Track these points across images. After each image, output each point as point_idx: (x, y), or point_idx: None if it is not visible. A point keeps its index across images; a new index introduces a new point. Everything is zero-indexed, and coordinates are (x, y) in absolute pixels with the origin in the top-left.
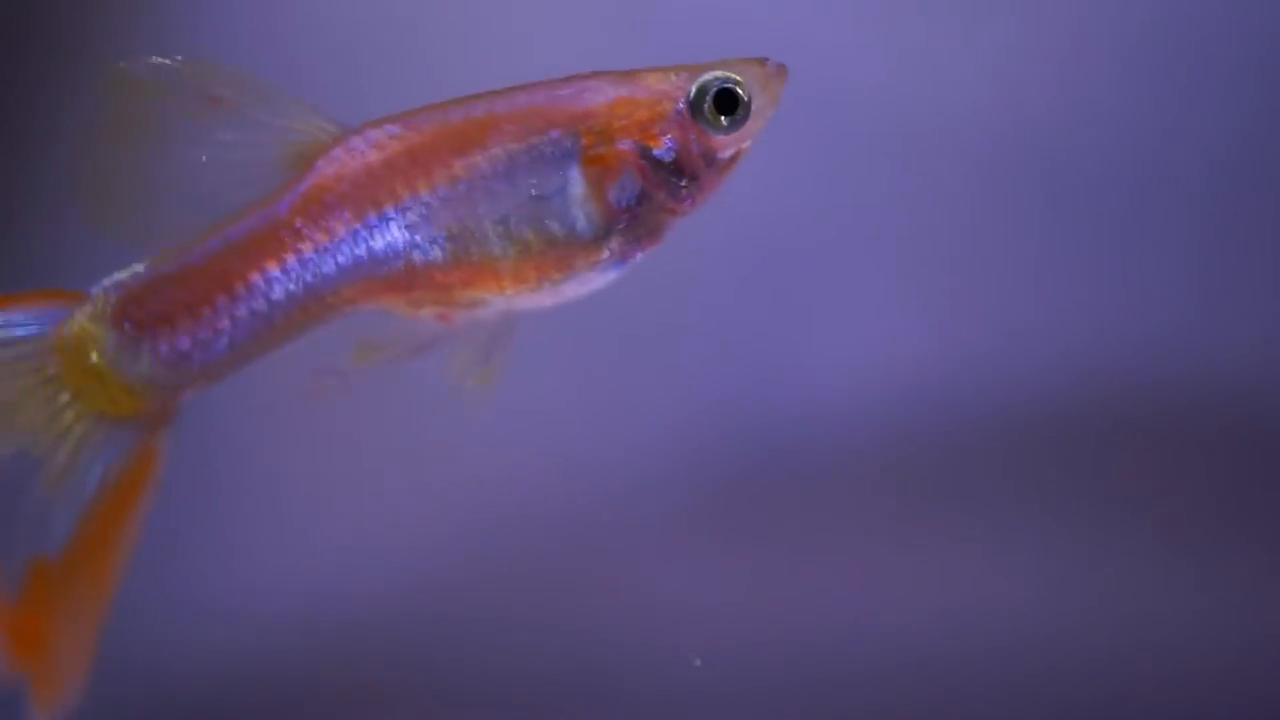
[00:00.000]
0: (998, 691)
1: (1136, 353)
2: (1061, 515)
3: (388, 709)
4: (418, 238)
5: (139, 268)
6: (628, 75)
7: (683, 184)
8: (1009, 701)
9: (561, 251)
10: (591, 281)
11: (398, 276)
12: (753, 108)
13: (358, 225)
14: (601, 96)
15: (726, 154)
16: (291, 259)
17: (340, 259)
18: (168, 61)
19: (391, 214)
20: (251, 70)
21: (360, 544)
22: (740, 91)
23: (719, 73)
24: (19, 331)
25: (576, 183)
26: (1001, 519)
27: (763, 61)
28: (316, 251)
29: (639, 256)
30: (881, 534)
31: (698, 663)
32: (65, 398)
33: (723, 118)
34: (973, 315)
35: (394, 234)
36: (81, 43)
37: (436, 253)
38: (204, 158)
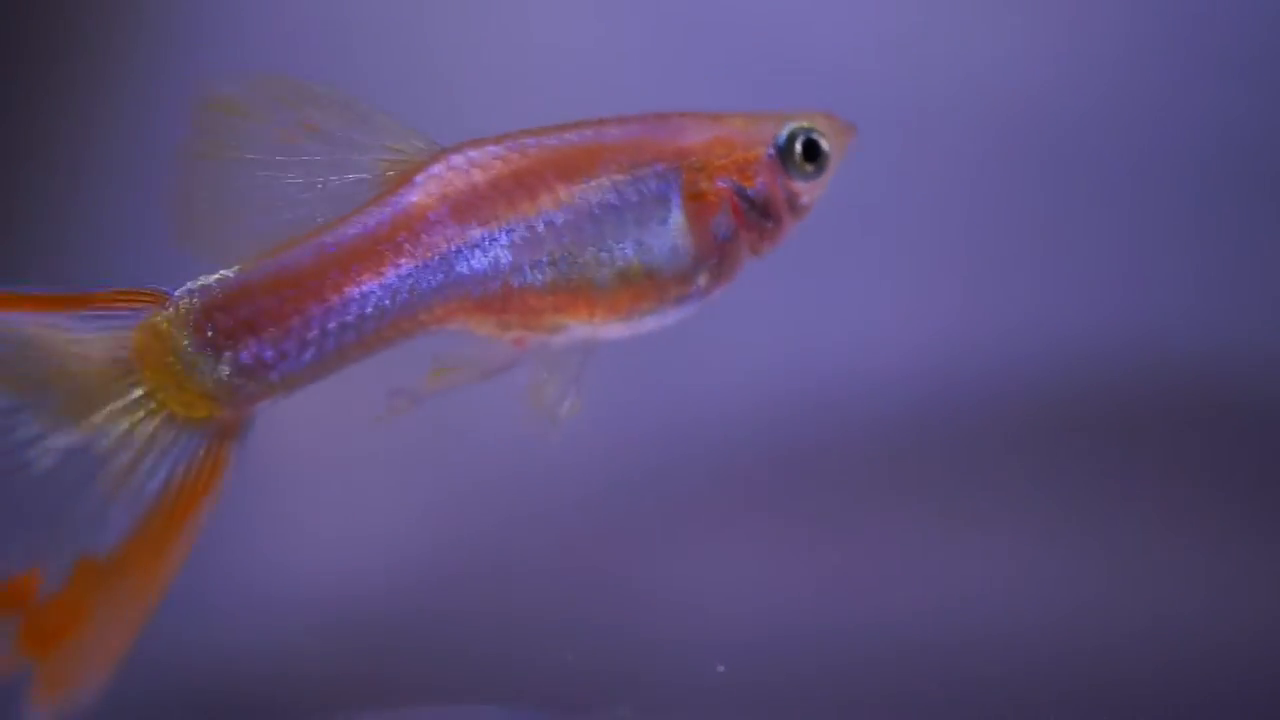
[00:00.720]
0: (1010, 678)
1: (1141, 339)
2: (1071, 502)
3: (402, 705)
4: (521, 260)
5: (227, 273)
6: (715, 117)
7: (768, 225)
8: (1023, 688)
9: (658, 283)
10: (669, 316)
11: (493, 298)
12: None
13: (462, 244)
14: (697, 135)
15: (804, 200)
16: (391, 273)
17: (441, 276)
18: (258, 79)
19: (497, 234)
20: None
21: (378, 540)
22: (823, 142)
23: (804, 123)
24: (100, 325)
25: (678, 216)
26: (1011, 507)
27: (830, 115)
28: (418, 267)
29: (715, 294)
30: (891, 525)
31: (721, 668)
32: (139, 394)
33: (808, 165)
34: (979, 303)
35: (498, 255)
36: (83, 40)
37: (537, 276)
38: (296, 176)
